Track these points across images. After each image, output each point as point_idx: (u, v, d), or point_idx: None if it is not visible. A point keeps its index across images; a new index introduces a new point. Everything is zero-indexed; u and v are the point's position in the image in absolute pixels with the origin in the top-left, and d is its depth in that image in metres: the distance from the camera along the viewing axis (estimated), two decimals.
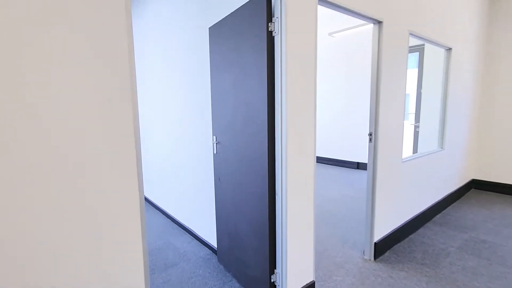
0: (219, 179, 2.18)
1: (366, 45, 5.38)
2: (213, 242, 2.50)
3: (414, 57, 5.80)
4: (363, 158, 5.63)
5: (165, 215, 3.41)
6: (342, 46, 5.75)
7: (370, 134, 2.29)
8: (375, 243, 2.34)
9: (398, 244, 2.63)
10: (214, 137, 2.18)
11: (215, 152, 2.19)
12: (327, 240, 2.73)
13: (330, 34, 5.62)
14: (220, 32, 1.99)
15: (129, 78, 1.05)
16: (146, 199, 3.97)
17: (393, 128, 2.42)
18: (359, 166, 5.69)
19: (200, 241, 2.70)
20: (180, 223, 3.07)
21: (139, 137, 1.07)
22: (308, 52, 1.67)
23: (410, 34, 2.49)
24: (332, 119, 6.08)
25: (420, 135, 3.99)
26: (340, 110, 5.93)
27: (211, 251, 2.53)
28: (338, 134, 6.02)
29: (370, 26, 5.11)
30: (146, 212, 3.58)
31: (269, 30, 1.57)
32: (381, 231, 2.42)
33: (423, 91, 4.00)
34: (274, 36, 1.58)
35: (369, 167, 2.33)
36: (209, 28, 2.10)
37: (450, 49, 3.20)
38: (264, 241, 1.80)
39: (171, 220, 3.25)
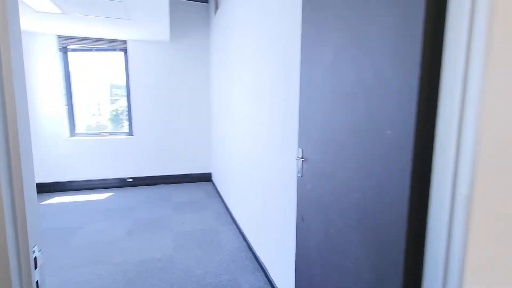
0: (302, 218, 1.36)
1: None
2: None
3: None
4: None
5: (241, 235, 2.84)
6: None
7: None
8: None
9: None
10: (300, 150, 1.37)
11: (299, 175, 1.38)
12: None
13: None
14: None
15: None
16: (227, 209, 3.53)
17: None
18: None
19: None
20: (254, 253, 2.41)
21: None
22: None
23: None
24: None
25: None
26: None
27: None
28: None
29: None
30: (223, 226, 3.11)
31: None
32: None
33: None
34: None
35: None
36: None
37: None
38: None
39: (246, 244, 2.63)
